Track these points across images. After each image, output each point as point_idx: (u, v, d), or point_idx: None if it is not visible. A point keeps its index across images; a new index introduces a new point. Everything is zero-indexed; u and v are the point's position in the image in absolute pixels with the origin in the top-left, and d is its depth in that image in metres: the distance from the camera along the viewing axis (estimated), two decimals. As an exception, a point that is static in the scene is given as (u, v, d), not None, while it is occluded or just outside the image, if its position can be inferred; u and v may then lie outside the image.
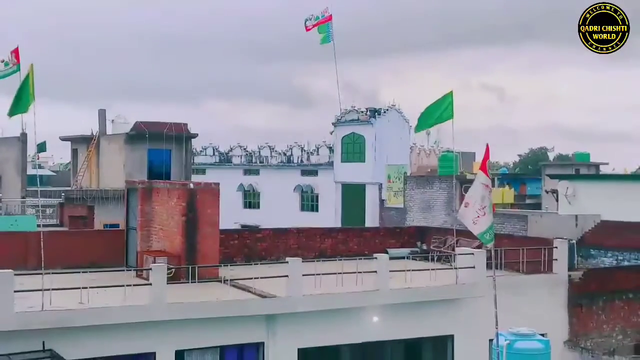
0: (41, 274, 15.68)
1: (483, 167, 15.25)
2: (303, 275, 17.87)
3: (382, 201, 48.43)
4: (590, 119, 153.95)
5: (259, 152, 58.13)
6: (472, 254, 20.09)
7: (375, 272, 18.80)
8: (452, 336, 20.20)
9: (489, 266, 18.30)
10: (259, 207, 57.01)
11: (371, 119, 50.02)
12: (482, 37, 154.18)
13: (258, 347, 17.90)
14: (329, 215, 50.17)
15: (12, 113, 17.28)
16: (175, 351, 16.90)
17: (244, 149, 59.24)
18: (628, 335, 23.10)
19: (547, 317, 21.04)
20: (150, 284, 16.58)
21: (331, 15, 53.86)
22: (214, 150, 59.91)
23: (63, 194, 40.23)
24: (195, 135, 42.76)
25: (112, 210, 36.00)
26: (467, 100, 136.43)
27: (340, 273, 18.53)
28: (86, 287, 15.84)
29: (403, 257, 21.73)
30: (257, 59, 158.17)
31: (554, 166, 56.90)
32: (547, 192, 44.43)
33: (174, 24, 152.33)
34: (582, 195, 33.59)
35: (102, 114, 43.69)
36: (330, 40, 53.96)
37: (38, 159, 60.67)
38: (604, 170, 54.22)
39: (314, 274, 18.06)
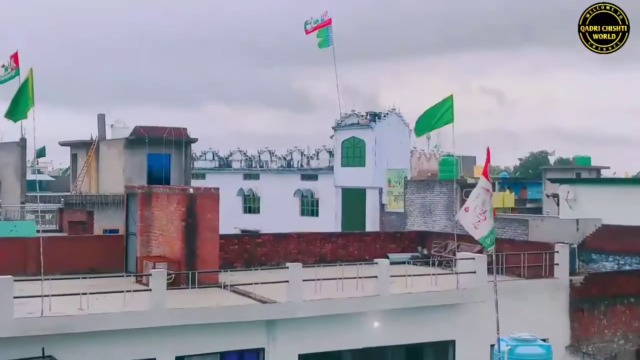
0: (41, 279, 15.64)
1: (484, 172, 15.19)
2: (303, 280, 17.82)
3: (382, 206, 48.37)
4: (590, 122, 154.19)
5: (259, 156, 58.11)
6: (473, 258, 20.05)
7: (376, 277, 18.75)
8: (453, 341, 20.14)
9: (490, 271, 18.23)
10: (259, 212, 56.95)
11: (371, 123, 50.02)
12: (482, 40, 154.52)
13: (258, 352, 17.83)
14: (329, 220, 50.12)
15: (8, 115, 17.18)
16: (176, 357, 16.84)
17: (244, 153, 59.21)
18: (630, 340, 23.04)
19: (549, 322, 20.98)
20: (150, 290, 16.53)
21: (330, 19, 53.89)
22: (213, 154, 59.87)
23: (62, 199, 40.19)
24: (195, 140, 42.71)
25: (111, 215, 35.92)
26: (467, 104, 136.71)
27: (341, 278, 18.46)
28: (86, 293, 15.76)
29: (404, 262, 21.68)
30: (256, 62, 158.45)
31: (554, 170, 56.81)
32: (547, 196, 44.33)
33: (174, 26, 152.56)
34: (583, 200, 33.53)
35: (101, 118, 43.66)
36: (329, 44, 53.96)
37: (37, 164, 60.68)
38: (605, 174, 54.12)
39: (314, 279, 18.01)
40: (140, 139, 39.89)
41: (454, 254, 22.48)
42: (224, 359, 17.45)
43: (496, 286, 14.97)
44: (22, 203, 38.60)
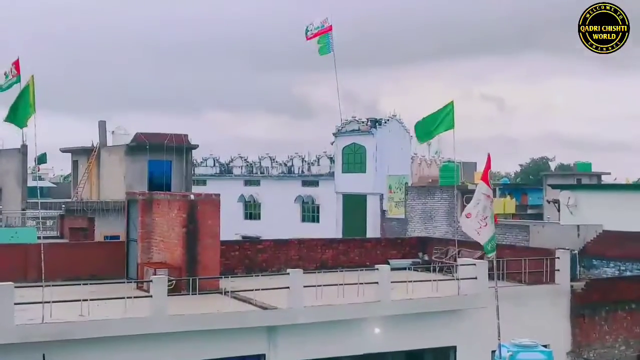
0: (41, 286, 15.62)
1: (485, 178, 15.22)
2: (304, 286, 17.81)
3: (383, 212, 48.36)
4: (589, 129, 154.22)
5: (260, 162, 58.12)
6: (474, 264, 20.03)
7: (377, 283, 18.74)
8: (454, 347, 20.11)
9: (491, 277, 18.21)
10: (259, 218, 56.94)
11: (372, 129, 50.04)
12: (481, 47, 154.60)
13: (259, 358, 17.81)
14: (330, 226, 50.10)
15: (10, 120, 17.19)
16: (176, 363, 16.83)
17: (245, 159, 59.24)
18: (631, 346, 23.02)
19: (550, 327, 20.96)
20: (151, 296, 16.51)
21: (331, 25, 53.98)
22: (214, 161, 59.90)
23: (63, 205, 40.15)
24: (195, 146, 42.74)
25: (112, 221, 35.91)
26: (467, 110, 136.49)
27: (342, 284, 18.44)
28: (86, 300, 15.76)
29: (404, 268, 21.69)
30: (256, 69, 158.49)
31: (555, 176, 56.84)
32: (548, 202, 44.35)
33: (173, 33, 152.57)
34: (584, 205, 33.54)
35: (102, 125, 43.69)
36: (329, 50, 54.03)
37: (38, 170, 60.73)
38: (605, 180, 54.15)
39: (315, 285, 17.98)
40: (141, 145, 39.91)
41: (455, 260, 22.47)
42: (225, 365, 17.44)
43: (497, 292, 14.99)
44: (23, 209, 38.63)
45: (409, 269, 21.67)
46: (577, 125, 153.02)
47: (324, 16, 54.64)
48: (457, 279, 19.96)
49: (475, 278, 19.62)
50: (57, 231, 35.82)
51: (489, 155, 15.52)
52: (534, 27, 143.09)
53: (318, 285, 18.01)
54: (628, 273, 27.93)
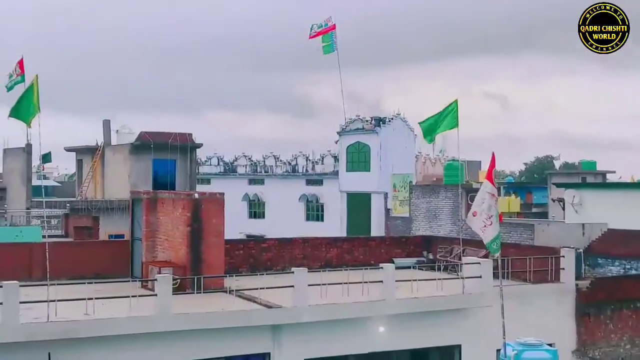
0: (46, 285, 15.65)
1: (489, 176, 15.19)
2: (309, 285, 17.81)
3: (387, 210, 48.34)
4: (592, 128, 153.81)
5: (264, 161, 58.15)
6: (479, 263, 20.00)
7: (382, 281, 18.72)
8: (459, 346, 20.09)
9: (495, 276, 18.20)
10: (264, 217, 56.98)
11: (376, 128, 50.03)
12: (482, 46, 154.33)
13: (264, 357, 17.82)
14: (334, 225, 50.09)
15: (13, 115, 17.20)
16: (181, 362, 16.84)
17: (249, 158, 59.28)
18: (636, 345, 22.96)
19: (555, 326, 20.91)
20: (156, 295, 16.53)
21: (335, 24, 53.98)
22: (218, 160, 59.95)
23: (68, 204, 40.24)
24: (200, 145, 42.78)
25: (117, 220, 35.99)
26: (471, 109, 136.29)
27: (346, 283, 18.43)
28: (91, 298, 15.77)
29: (409, 267, 21.65)
30: (259, 68, 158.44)
31: (560, 175, 56.75)
32: (553, 200, 44.31)
33: (176, 33, 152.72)
34: (589, 204, 33.48)
35: (106, 124, 43.77)
36: (334, 49, 54.00)
37: (43, 169, 60.70)
38: (610, 178, 54.02)
39: (319, 284, 17.99)
40: (145, 144, 39.96)
41: (460, 259, 22.45)
42: (230, 363, 17.45)
43: (502, 291, 14.96)
44: (28, 208, 38.70)
45: (413, 267, 21.63)
46: (579, 125, 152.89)
47: (326, 15, 54.79)
48: (462, 278, 19.94)
49: (480, 277, 19.60)
50: (62, 230, 35.86)
51: (493, 154, 15.51)
52: (534, 27, 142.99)
53: (322, 284, 18.01)
54: (633, 272, 27.87)
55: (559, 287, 21.93)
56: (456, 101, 20.55)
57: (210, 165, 60.04)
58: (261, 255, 24.25)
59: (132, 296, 16.39)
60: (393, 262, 22.47)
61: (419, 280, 19.50)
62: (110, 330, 15.71)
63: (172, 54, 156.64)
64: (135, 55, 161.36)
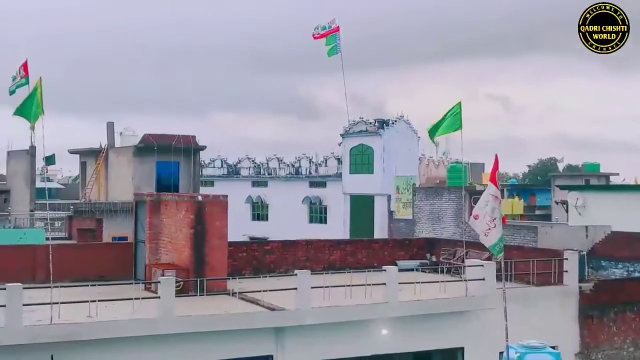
0: (50, 287, 15.67)
1: (492, 179, 15.19)
2: (312, 287, 17.82)
3: (390, 212, 48.32)
4: (593, 129, 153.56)
5: (267, 163, 58.16)
6: (482, 265, 20.01)
7: (385, 284, 18.73)
8: (462, 349, 20.08)
9: (498, 278, 18.18)
10: (267, 219, 56.99)
11: (379, 130, 50.02)
12: (486, 48, 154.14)
13: (267, 360, 17.84)
14: (337, 227, 50.10)
15: (18, 113, 17.24)
16: (184, 364, 16.85)
17: (252, 160, 59.30)
18: (639, 347, 22.92)
19: (558, 329, 20.91)
20: (159, 297, 16.55)
21: (338, 26, 54.02)
22: (222, 162, 59.97)
23: (72, 207, 40.27)
24: (203, 148, 42.79)
25: (120, 223, 35.99)
26: (474, 111, 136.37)
27: (349, 285, 18.44)
28: (95, 301, 15.79)
29: (412, 269, 21.68)
30: (262, 70, 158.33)
31: (563, 177, 56.62)
32: (557, 203, 44.21)
33: (179, 35, 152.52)
34: (592, 206, 33.42)
35: (110, 126, 43.79)
36: (338, 51, 54.08)
37: (47, 172, 60.84)
38: (614, 180, 53.95)
39: (322, 287, 18.00)
40: (149, 146, 39.99)
41: (463, 261, 22.44)
42: (233, 366, 17.45)
43: (505, 293, 14.96)
44: (32, 211, 38.74)
45: (416, 270, 21.67)
46: (580, 126, 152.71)
47: (329, 17, 54.79)
48: (465, 280, 19.94)
49: (483, 279, 19.60)
50: (66, 232, 35.92)
51: (496, 157, 15.53)
52: (535, 27, 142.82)
53: (326, 287, 18.02)
54: (637, 274, 27.83)
55: (562, 290, 21.92)
56: (460, 103, 20.56)
57: (214, 167, 60.07)
58: (264, 258, 24.26)
59: (135, 298, 16.41)
60: (396, 265, 22.50)
61: (422, 282, 19.49)
62: (114, 333, 15.73)
63: (172, 55, 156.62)
64: (135, 55, 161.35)
